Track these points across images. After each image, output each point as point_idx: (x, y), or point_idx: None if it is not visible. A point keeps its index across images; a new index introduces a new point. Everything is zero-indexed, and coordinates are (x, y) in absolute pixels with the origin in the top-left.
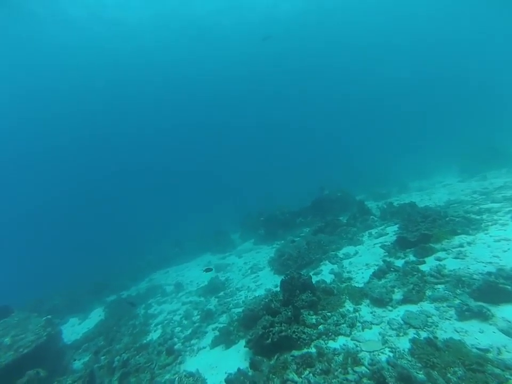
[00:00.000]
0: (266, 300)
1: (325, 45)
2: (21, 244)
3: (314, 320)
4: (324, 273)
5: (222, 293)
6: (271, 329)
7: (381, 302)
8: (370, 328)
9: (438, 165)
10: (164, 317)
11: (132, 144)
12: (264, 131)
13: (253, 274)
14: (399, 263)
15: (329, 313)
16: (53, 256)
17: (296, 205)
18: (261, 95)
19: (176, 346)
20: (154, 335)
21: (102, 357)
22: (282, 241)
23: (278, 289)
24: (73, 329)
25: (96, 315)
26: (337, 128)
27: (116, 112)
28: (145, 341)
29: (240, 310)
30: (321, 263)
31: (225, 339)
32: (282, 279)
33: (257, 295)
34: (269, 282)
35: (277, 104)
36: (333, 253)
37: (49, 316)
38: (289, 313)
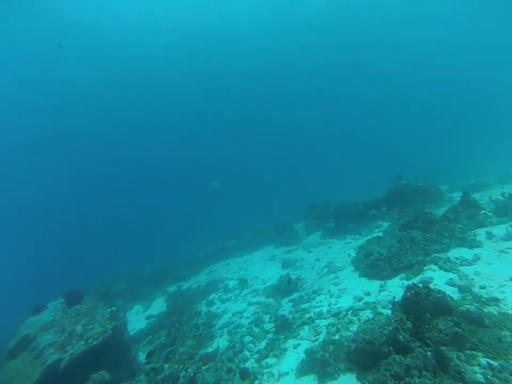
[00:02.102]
0: (390, 328)
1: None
2: (91, 228)
3: (481, 378)
4: (438, 283)
5: (295, 296)
6: (408, 381)
7: None
8: None
9: None
10: (228, 318)
11: (192, 136)
12: (330, 122)
13: (331, 274)
14: None
15: (496, 364)
16: (118, 242)
17: (366, 195)
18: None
19: (249, 365)
20: (220, 342)
21: (166, 365)
22: (357, 236)
23: (372, 298)
24: (138, 317)
25: (158, 305)
26: (406, 119)
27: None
28: (210, 349)
29: (325, 322)
30: (426, 268)
31: (318, 369)
32: (404, 295)
33: (342, 305)
34: (355, 287)
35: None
36: (438, 255)
37: (113, 308)
38: (428, 353)
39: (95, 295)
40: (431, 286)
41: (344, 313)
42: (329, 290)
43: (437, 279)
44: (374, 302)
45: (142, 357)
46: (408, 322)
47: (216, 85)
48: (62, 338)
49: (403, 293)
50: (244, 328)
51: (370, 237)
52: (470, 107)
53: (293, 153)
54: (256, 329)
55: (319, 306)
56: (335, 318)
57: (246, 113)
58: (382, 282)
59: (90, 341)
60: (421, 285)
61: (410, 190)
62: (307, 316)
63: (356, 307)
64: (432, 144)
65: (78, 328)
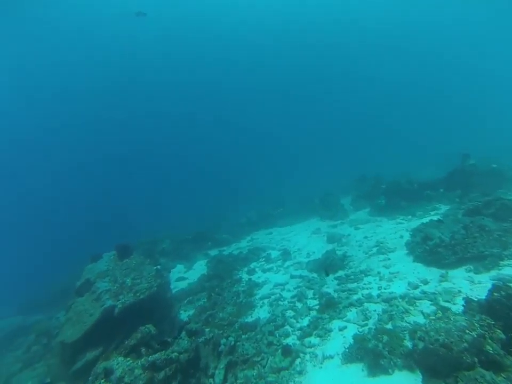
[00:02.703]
0: (474, 334)
1: None
2: (139, 185)
3: None
4: None
5: (341, 273)
6: None
7: None
8: None
9: None
10: (270, 289)
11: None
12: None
13: (381, 255)
14: None
15: None
16: (163, 200)
17: (420, 173)
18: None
19: (291, 341)
20: (260, 312)
21: (207, 329)
22: (409, 217)
23: (431, 288)
24: (180, 276)
25: (200, 267)
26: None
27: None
28: (250, 318)
29: (375, 307)
30: (503, 263)
31: (369, 359)
32: (490, 295)
33: (394, 290)
34: (409, 272)
35: None
36: None
37: (158, 266)
38: None
39: (141, 251)
40: None
41: (398, 300)
42: (379, 272)
43: None
44: (434, 293)
45: (183, 314)
46: (498, 331)
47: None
48: (115, 287)
49: (488, 291)
50: (286, 302)
51: (426, 219)
52: None
53: (341, 123)
54: (299, 305)
55: (368, 288)
56: (387, 304)
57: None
58: (443, 271)
59: (138, 294)
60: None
61: (480, 171)
62: (355, 297)
63: (411, 295)
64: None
65: (127, 280)
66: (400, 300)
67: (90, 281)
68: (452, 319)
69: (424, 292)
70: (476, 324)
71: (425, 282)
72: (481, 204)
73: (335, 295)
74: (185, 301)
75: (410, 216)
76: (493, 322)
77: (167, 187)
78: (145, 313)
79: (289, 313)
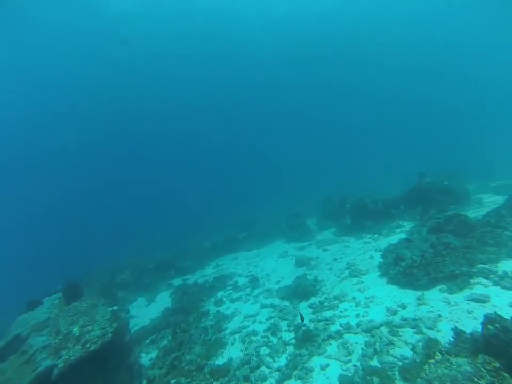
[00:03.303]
0: (484, 383)
1: None
2: (91, 215)
3: None
4: (498, 304)
5: (315, 300)
6: None
7: None
8: None
9: None
10: (240, 322)
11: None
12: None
13: (354, 278)
14: None
15: None
16: (121, 227)
17: (382, 192)
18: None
19: None
20: (232, 351)
21: (172, 381)
22: (376, 235)
23: (410, 313)
24: (140, 311)
25: (163, 299)
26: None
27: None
28: (221, 359)
29: (356, 339)
30: (474, 281)
31: None
32: (485, 329)
33: (373, 318)
34: (385, 296)
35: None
36: (485, 266)
37: (115, 307)
38: None
39: (98, 284)
40: (489, 305)
41: (379, 329)
42: (354, 298)
43: (495, 298)
44: (415, 319)
45: (144, 358)
46: (506, 375)
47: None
48: (57, 340)
49: (481, 324)
50: (259, 337)
51: (393, 237)
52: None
53: (308, 145)
54: (274, 339)
55: (345, 317)
56: (369, 335)
57: (265, 102)
58: (419, 293)
59: (88, 345)
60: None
61: (434, 189)
62: (333, 328)
63: (392, 322)
64: (455, 140)
65: (75, 329)
66: (381, 329)
67: (20, 337)
68: (454, 363)
69: (404, 318)
70: (482, 369)
71: (403, 307)
72: (442, 221)
73: (311, 325)
74: (147, 341)
75: (376, 235)
76: (498, 365)
77: (128, 210)
78: (96, 363)
79: (264, 350)
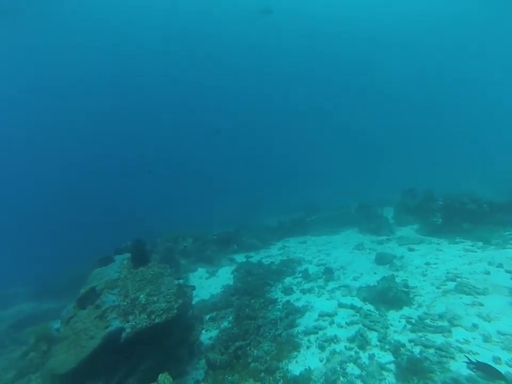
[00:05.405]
0: None
1: None
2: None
3: None
4: None
5: (410, 312)
6: None
7: None
8: None
9: None
10: (314, 320)
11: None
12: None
13: (464, 295)
14: None
15: None
16: (186, 196)
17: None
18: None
19: None
20: (309, 358)
21: (235, 375)
22: (480, 243)
23: None
24: (201, 283)
25: (225, 274)
26: None
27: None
28: (297, 366)
29: None
30: None
31: None
32: None
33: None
34: None
35: None
36: None
37: (181, 280)
38: None
39: (161, 249)
40: None
41: None
42: (475, 326)
43: None
44: None
45: (204, 336)
46: None
47: None
48: (125, 303)
49: None
50: (343, 347)
51: (510, 250)
52: None
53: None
54: (364, 356)
55: (468, 352)
56: None
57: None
58: None
59: (153, 317)
60: None
61: None
62: (453, 366)
63: None
64: None
65: (141, 296)
66: None
67: (96, 291)
68: None
69: None
70: None
71: None
72: None
73: (415, 350)
74: (207, 317)
75: (481, 243)
76: None
77: (189, 184)
78: (158, 337)
79: (353, 368)
